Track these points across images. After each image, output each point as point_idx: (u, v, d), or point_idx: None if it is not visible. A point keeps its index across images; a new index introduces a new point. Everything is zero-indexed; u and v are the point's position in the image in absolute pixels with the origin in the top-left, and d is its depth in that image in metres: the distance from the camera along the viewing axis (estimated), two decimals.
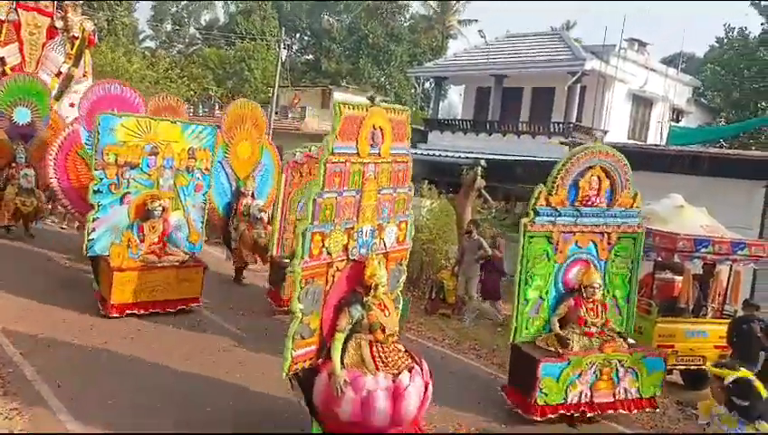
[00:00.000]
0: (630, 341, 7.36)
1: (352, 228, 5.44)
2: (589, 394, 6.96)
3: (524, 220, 7.17)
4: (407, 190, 6.01)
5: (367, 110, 5.33)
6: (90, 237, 8.80)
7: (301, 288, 5.09)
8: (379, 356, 5.33)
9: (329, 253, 5.27)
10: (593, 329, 7.15)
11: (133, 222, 9.03)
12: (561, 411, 6.87)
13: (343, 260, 5.45)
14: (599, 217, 7.35)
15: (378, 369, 5.27)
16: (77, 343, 7.48)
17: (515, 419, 6.93)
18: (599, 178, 7.26)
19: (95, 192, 8.74)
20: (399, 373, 5.31)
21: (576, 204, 7.26)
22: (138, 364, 7.05)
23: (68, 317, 8.42)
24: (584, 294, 7.18)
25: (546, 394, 6.80)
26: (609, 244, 7.45)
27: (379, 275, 5.43)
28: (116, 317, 8.52)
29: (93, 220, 8.80)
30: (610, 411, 7.14)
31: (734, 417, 4.71)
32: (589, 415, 7.03)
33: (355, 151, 5.29)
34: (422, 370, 5.50)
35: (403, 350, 5.58)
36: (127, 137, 8.83)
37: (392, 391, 5.20)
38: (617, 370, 7.05)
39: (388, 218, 5.84)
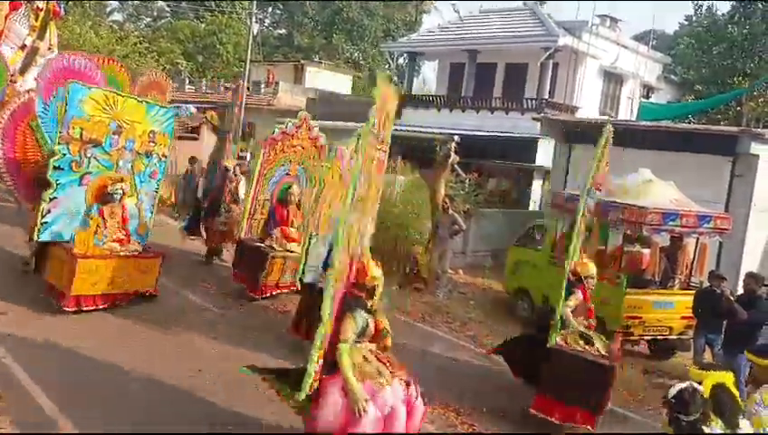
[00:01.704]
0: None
1: None
2: None
3: None
4: None
5: None
6: (43, 220, 7.87)
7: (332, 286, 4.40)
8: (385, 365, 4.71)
9: None
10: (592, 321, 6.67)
11: (91, 206, 8.19)
12: None
13: None
14: None
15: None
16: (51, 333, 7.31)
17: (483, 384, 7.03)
18: None
19: (55, 168, 7.91)
20: (407, 382, 4.70)
21: None
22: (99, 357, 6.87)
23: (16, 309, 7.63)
24: (586, 285, 6.62)
25: None
26: None
27: (379, 277, 4.94)
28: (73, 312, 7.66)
29: (50, 200, 7.92)
30: None
31: None
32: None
33: None
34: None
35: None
36: (94, 111, 8.17)
37: (407, 403, 4.59)
38: None
39: None
